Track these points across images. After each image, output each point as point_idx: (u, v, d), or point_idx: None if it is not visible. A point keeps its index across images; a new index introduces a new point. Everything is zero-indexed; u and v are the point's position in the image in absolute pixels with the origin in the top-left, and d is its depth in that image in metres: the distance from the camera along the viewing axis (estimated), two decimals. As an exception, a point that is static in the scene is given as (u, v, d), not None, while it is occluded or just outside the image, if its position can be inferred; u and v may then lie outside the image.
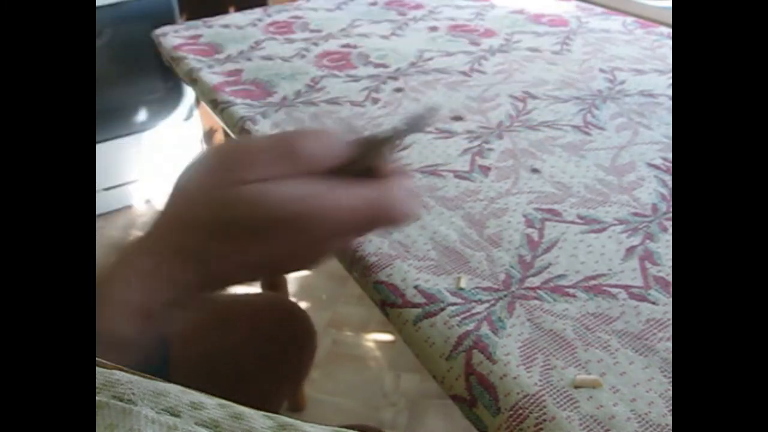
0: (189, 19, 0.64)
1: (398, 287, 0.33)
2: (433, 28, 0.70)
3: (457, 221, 0.38)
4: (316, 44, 0.68)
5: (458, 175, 0.43)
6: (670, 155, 0.43)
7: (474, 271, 0.34)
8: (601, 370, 0.28)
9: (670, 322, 0.30)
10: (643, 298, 0.32)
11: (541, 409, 0.26)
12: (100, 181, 1.74)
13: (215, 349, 0.57)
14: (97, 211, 1.76)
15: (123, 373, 0.14)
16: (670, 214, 0.37)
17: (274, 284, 1.14)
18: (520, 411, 0.26)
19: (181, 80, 0.67)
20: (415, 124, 0.32)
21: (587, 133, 0.47)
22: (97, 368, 0.14)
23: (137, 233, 0.31)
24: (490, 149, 0.46)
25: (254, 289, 1.43)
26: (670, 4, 0.78)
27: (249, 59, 0.64)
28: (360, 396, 1.15)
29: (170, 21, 1.47)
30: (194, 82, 0.62)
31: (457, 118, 0.50)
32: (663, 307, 0.31)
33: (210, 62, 0.64)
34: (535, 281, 0.33)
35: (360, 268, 0.36)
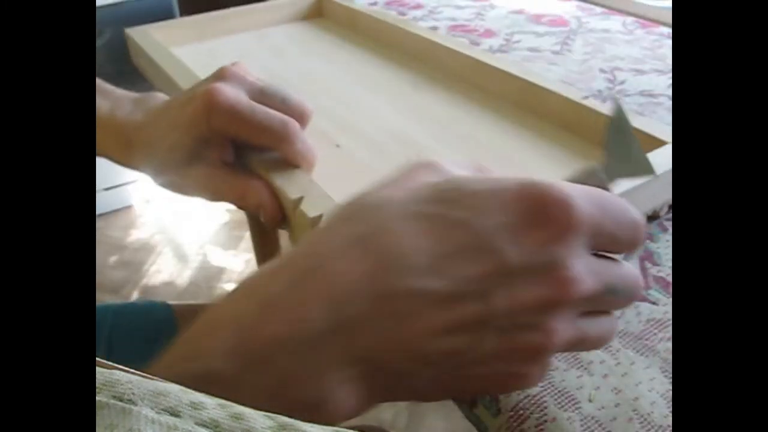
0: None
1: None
2: (433, 28, 0.70)
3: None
4: (316, 44, 0.68)
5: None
6: (670, 155, 0.43)
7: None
8: (603, 372, 0.28)
9: (670, 322, 0.30)
10: (643, 298, 0.32)
11: (542, 410, 0.26)
12: (100, 181, 1.74)
13: None
14: (97, 211, 1.76)
15: (123, 373, 0.14)
16: (670, 214, 0.37)
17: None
18: (521, 412, 0.26)
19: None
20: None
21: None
22: (97, 368, 0.14)
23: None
24: (490, 149, 0.46)
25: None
26: (670, 4, 0.78)
27: (249, 59, 0.64)
28: (360, 396, 1.15)
29: (170, 21, 1.47)
30: (194, 82, 0.62)
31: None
32: (663, 307, 0.31)
33: (210, 62, 0.64)
34: (536, 281, 0.33)
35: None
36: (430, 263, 0.20)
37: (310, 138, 0.40)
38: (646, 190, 0.33)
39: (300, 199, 0.34)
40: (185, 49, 0.65)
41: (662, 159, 0.35)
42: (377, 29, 0.65)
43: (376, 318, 0.20)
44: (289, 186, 0.36)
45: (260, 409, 0.19)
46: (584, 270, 0.21)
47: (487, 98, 0.52)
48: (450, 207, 0.21)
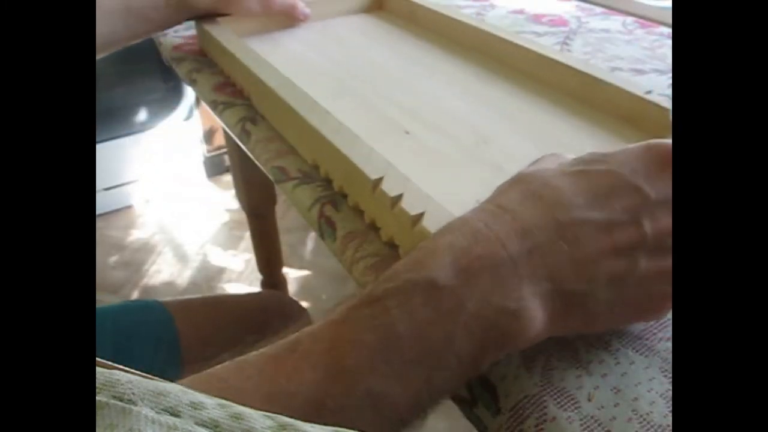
0: (189, 19, 0.65)
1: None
2: (434, 28, 0.70)
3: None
4: (316, 44, 0.68)
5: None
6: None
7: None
8: (602, 371, 0.28)
9: (670, 322, 0.30)
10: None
11: (541, 410, 0.26)
12: (100, 181, 1.74)
13: (224, 343, 0.60)
14: (97, 211, 1.76)
15: (123, 373, 0.14)
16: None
17: (274, 285, 1.14)
18: (521, 411, 0.26)
19: (182, 80, 0.68)
20: None
21: (587, 133, 0.47)
22: (97, 368, 0.14)
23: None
24: (490, 149, 0.46)
25: (255, 288, 1.43)
26: (670, 4, 0.78)
27: (249, 59, 0.64)
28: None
29: (170, 21, 1.46)
30: (194, 82, 0.62)
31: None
32: (663, 307, 0.31)
33: (210, 62, 0.64)
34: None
35: (360, 268, 0.36)
36: (588, 201, 0.26)
37: (379, 124, 0.46)
38: None
39: (380, 180, 0.35)
40: (251, 40, 0.66)
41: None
42: (438, 22, 0.66)
43: (555, 244, 0.25)
44: (368, 167, 0.36)
45: (456, 326, 0.24)
46: None
47: (549, 90, 0.53)
48: (592, 164, 0.27)
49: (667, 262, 0.26)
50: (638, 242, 0.26)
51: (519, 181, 0.28)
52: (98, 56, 0.58)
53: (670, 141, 0.26)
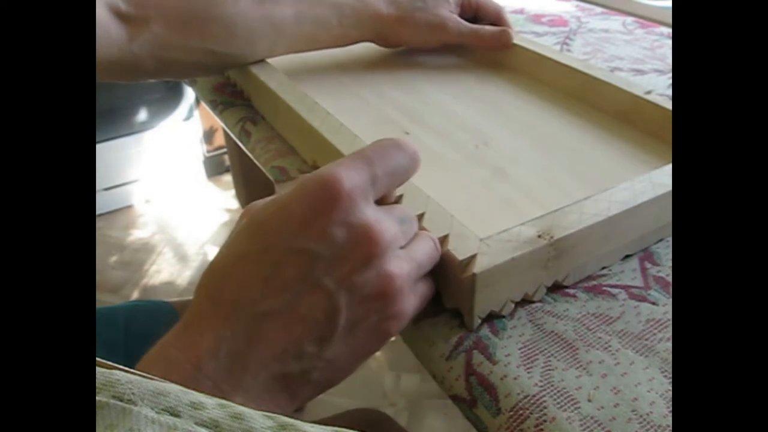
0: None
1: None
2: (434, 28, 0.70)
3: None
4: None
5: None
6: (670, 155, 0.43)
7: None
8: (602, 371, 0.28)
9: (670, 322, 0.30)
10: (643, 298, 0.32)
11: (541, 410, 0.26)
12: (100, 181, 1.74)
13: None
14: (97, 211, 1.76)
15: (123, 373, 0.14)
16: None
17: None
18: (521, 412, 0.26)
19: (181, 80, 0.67)
20: None
21: (587, 133, 0.47)
22: (97, 368, 0.14)
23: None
24: (490, 149, 0.46)
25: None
26: (670, 4, 0.78)
27: (249, 59, 0.64)
28: (360, 396, 1.15)
29: (170, 21, 1.46)
30: (194, 82, 0.62)
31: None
32: (663, 307, 0.31)
33: (210, 62, 0.64)
34: (536, 281, 0.33)
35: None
36: (263, 290, 0.25)
37: (379, 125, 0.46)
38: (650, 209, 0.33)
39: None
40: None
41: (666, 179, 0.35)
42: None
43: (250, 345, 0.25)
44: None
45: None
46: (375, 217, 0.26)
47: (549, 91, 0.53)
48: (253, 240, 0.26)
49: (369, 291, 0.26)
50: (329, 298, 0.25)
51: (206, 284, 0.27)
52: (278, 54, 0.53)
53: (316, 173, 0.25)
